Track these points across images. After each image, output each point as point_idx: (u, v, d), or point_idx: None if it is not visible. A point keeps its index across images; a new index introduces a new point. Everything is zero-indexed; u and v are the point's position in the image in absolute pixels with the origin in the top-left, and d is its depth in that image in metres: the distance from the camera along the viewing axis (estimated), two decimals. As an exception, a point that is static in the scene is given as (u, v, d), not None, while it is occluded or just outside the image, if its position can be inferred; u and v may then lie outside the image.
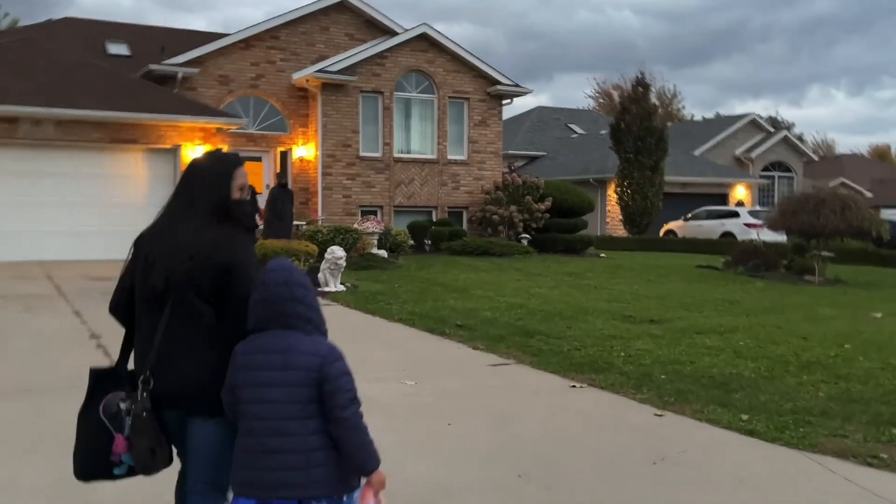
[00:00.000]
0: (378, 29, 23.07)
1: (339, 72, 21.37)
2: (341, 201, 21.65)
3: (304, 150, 22.17)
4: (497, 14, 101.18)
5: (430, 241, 21.72)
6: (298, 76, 21.69)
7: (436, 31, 22.49)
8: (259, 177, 22.01)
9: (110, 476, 3.12)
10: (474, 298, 12.44)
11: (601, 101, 70.85)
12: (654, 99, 30.51)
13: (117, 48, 24.63)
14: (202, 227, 3.12)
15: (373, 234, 18.86)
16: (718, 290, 15.15)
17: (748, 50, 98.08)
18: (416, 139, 22.86)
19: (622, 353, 8.28)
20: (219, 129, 18.67)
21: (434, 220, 22.64)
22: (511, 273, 16.98)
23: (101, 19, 27.14)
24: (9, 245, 16.43)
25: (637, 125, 29.66)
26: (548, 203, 21.83)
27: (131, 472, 3.10)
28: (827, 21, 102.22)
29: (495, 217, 21.74)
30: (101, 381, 3.15)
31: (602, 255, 22.75)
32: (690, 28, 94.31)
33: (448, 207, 23.04)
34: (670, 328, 10.12)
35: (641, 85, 30.60)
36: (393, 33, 22.69)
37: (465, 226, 23.20)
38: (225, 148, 22.23)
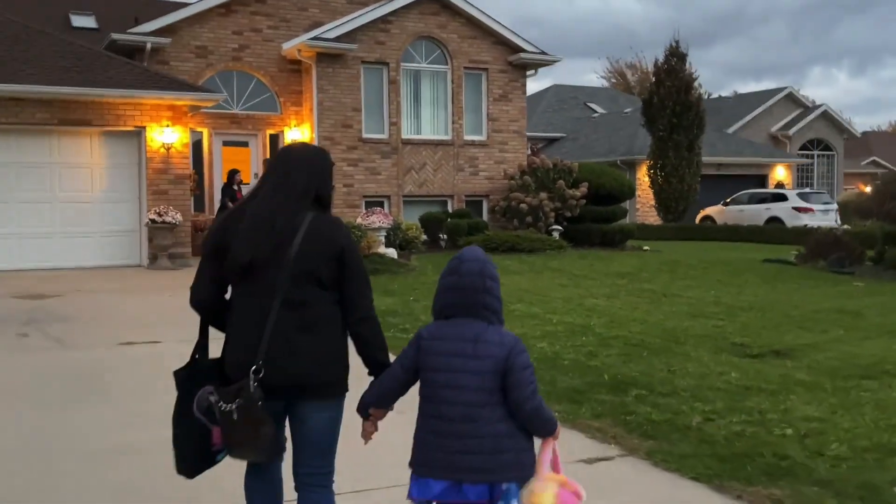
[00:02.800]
0: (381, -10, 19.90)
1: (337, 39, 18.21)
2: (342, 191, 18.53)
3: (298, 133, 19.04)
4: (497, 1, 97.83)
5: (445, 236, 18.62)
6: (289, 46, 18.54)
7: (448, -10, 19.32)
8: (246, 164, 18.91)
9: (213, 463, 3.15)
10: (517, 319, 9.34)
11: (614, 80, 67.63)
12: (690, 69, 27.20)
13: (83, 20, 21.54)
14: (310, 214, 3.06)
15: (379, 229, 15.77)
16: (816, 294, 12.03)
17: (749, 33, 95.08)
18: (428, 117, 19.71)
19: (787, 430, 5.16)
20: (192, 108, 15.55)
21: (450, 211, 19.53)
22: (550, 276, 13.87)
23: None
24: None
25: (672, 99, 26.49)
26: (583, 189, 18.69)
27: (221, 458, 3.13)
28: (828, 2, 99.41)
29: (522, 206, 18.60)
30: (186, 380, 3.13)
31: (645, 247, 19.60)
32: (691, 12, 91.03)
33: (466, 196, 19.92)
34: (814, 367, 7.00)
35: (676, 55, 27.37)
36: (398, -6, 19.51)
37: (485, 217, 20.08)
38: (205, 131, 19.20)
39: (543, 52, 20.36)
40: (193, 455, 3.12)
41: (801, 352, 7.61)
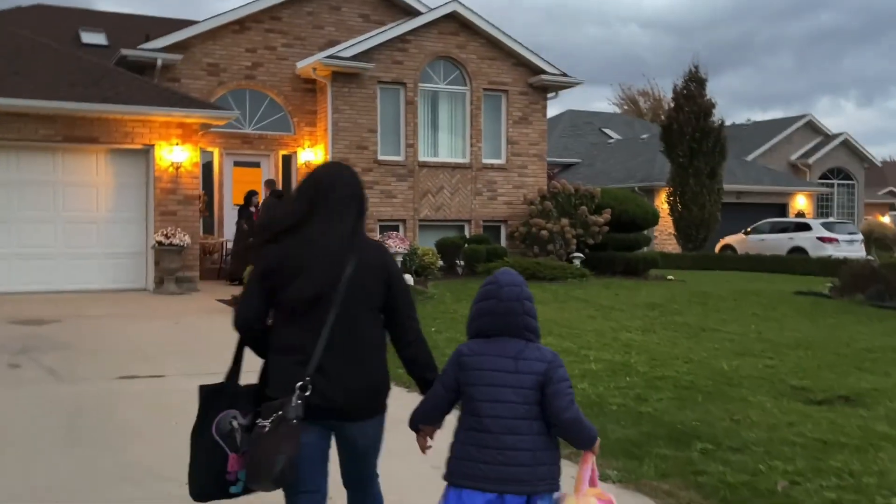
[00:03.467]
0: (399, 9, 19.35)
1: (353, 58, 17.64)
2: (356, 214, 17.86)
3: (311, 154, 18.43)
4: (506, 27, 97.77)
5: (462, 263, 17.92)
6: (304, 65, 17.98)
7: (468, 9, 18.73)
8: (258, 185, 18.28)
9: (226, 495, 3.04)
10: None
11: (626, 107, 67.14)
12: (709, 95, 26.57)
13: (93, 37, 21.07)
14: (359, 233, 3.14)
15: (395, 255, 15.10)
16: (863, 331, 11.29)
17: (756, 62, 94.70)
18: (445, 140, 19.09)
19: (893, 499, 4.41)
20: (203, 126, 14.94)
21: (467, 236, 18.85)
22: (576, 306, 13.16)
23: (77, 7, 23.62)
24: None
25: (692, 125, 25.84)
26: (606, 215, 17.98)
27: (247, 491, 3.03)
28: (834, 32, 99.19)
29: (543, 232, 17.89)
30: (212, 398, 3.07)
31: (669, 277, 18.87)
32: (698, 41, 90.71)
33: (483, 221, 19.24)
34: (893, 417, 6.25)
35: (695, 80, 26.75)
36: (416, 13, 18.95)
37: (503, 242, 19.40)
38: (216, 151, 18.61)
39: (564, 74, 19.76)
40: (206, 478, 3.03)
41: (870, 398, 6.88)
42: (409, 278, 15.21)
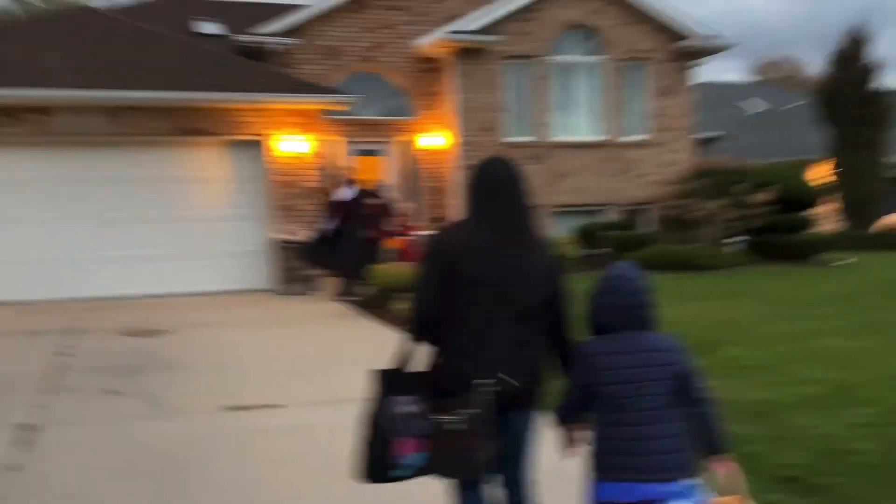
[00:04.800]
0: (526, -24, 17.74)
1: (478, 31, 16.19)
2: (486, 202, 16.46)
3: (434, 138, 17.13)
4: None
5: (604, 252, 16.25)
6: (424, 42, 16.66)
7: (603, -29, 16.99)
8: (379, 176, 17.13)
9: (392, 479, 3.09)
10: (741, 372, 6.97)
11: (760, 78, 63.23)
12: (873, 57, 23.78)
13: (209, 27, 20.35)
14: (537, 233, 3.21)
15: (532, 245, 13.59)
16: None
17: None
18: (581, 117, 17.42)
19: None
20: (321, 113, 13.81)
21: (608, 222, 17.15)
22: (746, 302, 11.35)
23: (196, -2, 23.05)
24: (38, 278, 12.07)
25: (854, 91, 23.18)
26: (768, 194, 15.93)
27: (409, 476, 3.07)
28: None
29: (696, 215, 16.03)
30: (385, 382, 3.10)
31: (849, 260, 16.58)
32: (833, 5, 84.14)
33: (626, 204, 17.49)
34: None
35: (858, 40, 24.01)
36: (546, -21, 17.31)
37: (649, 227, 17.59)
38: (337, 139, 17.55)
39: (714, 37, 17.70)
40: (374, 460, 3.07)
41: None
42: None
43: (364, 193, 12.60)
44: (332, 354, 8.12)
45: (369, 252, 12.13)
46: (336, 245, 11.87)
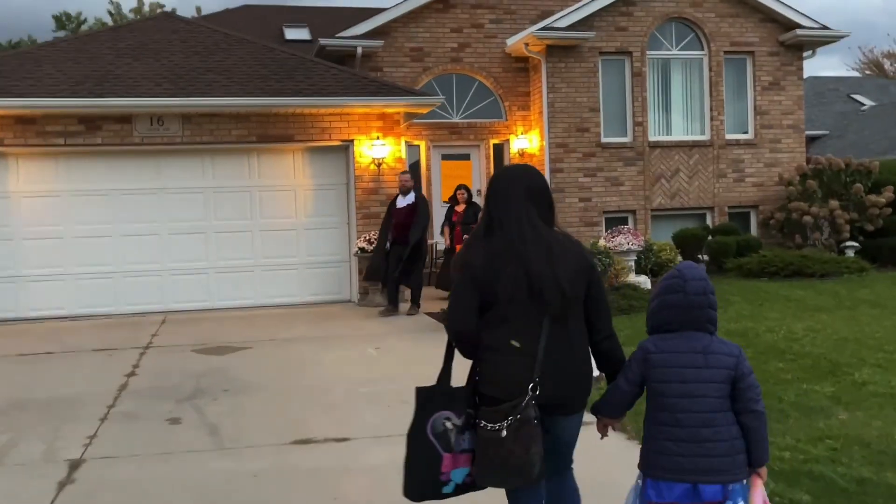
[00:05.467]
0: (620, -32, 16.89)
1: (571, 27, 15.43)
2: (578, 207, 15.72)
3: (525, 141, 16.43)
4: None
5: (706, 258, 15.28)
6: (514, 40, 15.99)
7: (703, -41, 15.99)
8: (468, 180, 16.55)
9: (440, 495, 3.11)
10: (881, 402, 6.05)
11: (868, 72, 60.06)
12: None
13: (296, 32, 20.23)
14: (559, 234, 3.21)
15: (628, 252, 12.81)
16: None
17: None
18: (679, 114, 16.46)
19: None
20: (406, 117, 13.31)
21: (710, 226, 16.14)
22: (871, 312, 10.28)
23: (283, 4, 23.02)
24: (112, 291, 11.92)
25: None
26: (888, 194, 14.65)
27: (457, 491, 3.11)
28: None
29: (807, 218, 14.87)
30: (426, 399, 3.15)
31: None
32: None
33: (728, 207, 16.43)
34: None
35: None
36: (641, -29, 16.43)
37: (753, 232, 16.49)
38: (422, 144, 17.08)
39: (824, 27, 16.47)
40: (421, 478, 3.09)
41: None
42: (643, 279, 12.89)
43: (418, 200, 11.39)
44: (407, 375, 7.50)
45: (416, 264, 11.27)
46: (389, 257, 11.14)
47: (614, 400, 3.14)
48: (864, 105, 33.70)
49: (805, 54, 16.75)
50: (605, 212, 15.92)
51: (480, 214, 3.32)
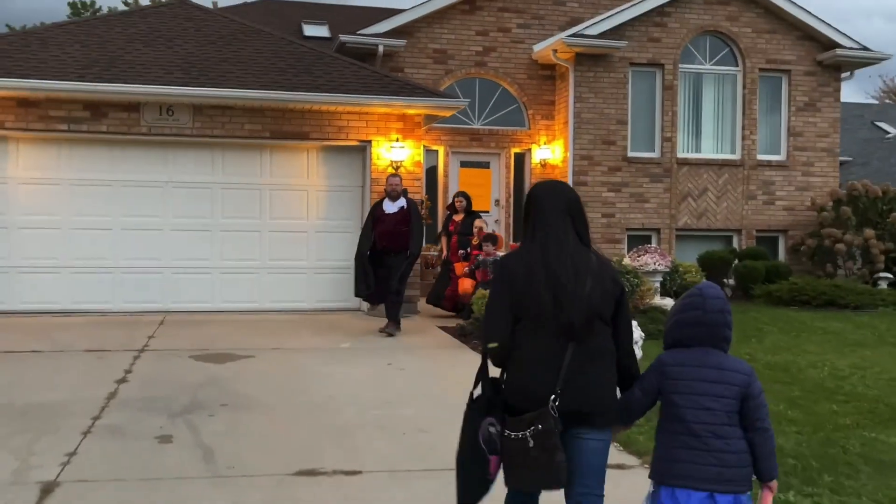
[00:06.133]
0: (654, -22, 16.26)
1: (602, 35, 14.81)
2: (600, 222, 15.06)
3: (548, 151, 15.79)
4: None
5: (732, 282, 14.63)
6: (542, 47, 15.38)
7: (743, -28, 15.37)
8: (486, 188, 15.93)
9: (487, 491, 3.24)
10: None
11: (888, 101, 59.36)
12: None
13: (315, 29, 19.60)
14: (592, 254, 3.26)
15: (654, 273, 12.16)
16: None
17: None
18: (710, 132, 15.82)
19: None
20: (427, 119, 12.69)
21: (736, 248, 15.47)
22: (917, 352, 9.59)
23: (303, 0, 22.42)
24: (112, 287, 11.30)
25: None
26: (927, 225, 13.99)
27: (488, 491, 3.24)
28: None
29: (840, 246, 14.20)
30: (476, 406, 3.24)
31: None
32: None
33: (756, 231, 15.76)
34: None
35: None
36: (677, -19, 15.80)
37: (781, 257, 15.82)
38: (440, 149, 16.46)
39: (865, 48, 15.82)
40: (475, 481, 3.22)
41: None
42: (669, 302, 12.20)
43: (409, 206, 10.24)
44: (421, 397, 6.88)
45: (400, 278, 10.02)
46: (378, 268, 10.02)
47: (628, 406, 3.23)
48: (888, 133, 33.02)
49: (843, 75, 16.09)
50: (628, 229, 15.26)
51: (523, 225, 3.38)
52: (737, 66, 15.67)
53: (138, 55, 11.63)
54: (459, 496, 3.26)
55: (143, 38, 12.22)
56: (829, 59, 15.66)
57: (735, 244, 15.66)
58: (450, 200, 13.81)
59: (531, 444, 3.00)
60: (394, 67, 15.04)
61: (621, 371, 3.24)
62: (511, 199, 15.84)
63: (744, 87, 15.62)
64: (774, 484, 3.09)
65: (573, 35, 14.76)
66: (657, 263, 12.16)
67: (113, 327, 10.07)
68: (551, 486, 3.09)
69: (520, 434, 3.02)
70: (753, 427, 3.00)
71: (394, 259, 10.01)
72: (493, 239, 11.43)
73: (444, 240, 12.68)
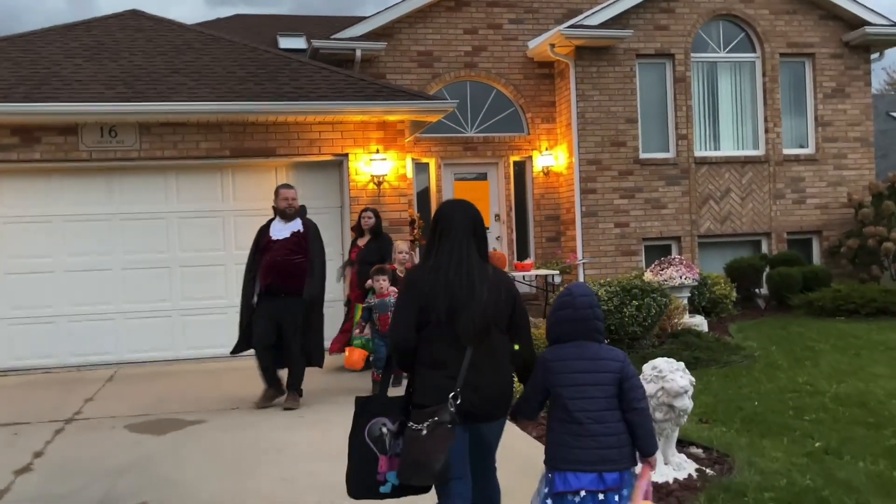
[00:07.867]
0: (656, -39, 14.77)
1: (603, 25, 13.30)
2: (613, 233, 13.48)
3: (550, 158, 14.25)
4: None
5: (765, 292, 13.05)
6: (538, 42, 13.87)
7: (755, -53, 13.85)
8: (484, 203, 14.37)
9: (377, 495, 3.42)
10: None
11: (893, 93, 57.86)
12: None
13: (292, 41, 18.13)
14: (490, 267, 3.52)
15: (681, 288, 10.61)
16: None
17: None
18: (729, 126, 14.27)
19: None
20: (412, 126, 11.17)
21: (766, 253, 13.88)
22: None
23: (277, 13, 21.03)
24: (57, 338, 9.77)
25: None
26: (985, 217, 12.40)
27: (395, 492, 3.40)
28: None
29: (887, 245, 12.59)
30: (364, 407, 3.49)
31: None
32: None
33: (787, 233, 14.16)
34: None
35: None
36: (682, -38, 14.30)
37: (816, 260, 14.23)
38: (431, 161, 14.92)
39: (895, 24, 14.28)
40: (360, 478, 3.40)
41: None
42: (700, 321, 10.68)
43: (307, 230, 7.63)
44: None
45: (314, 329, 7.45)
46: (263, 319, 7.37)
47: (526, 402, 3.48)
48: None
49: (873, 56, 14.54)
50: (644, 238, 13.68)
51: (429, 239, 3.54)
52: (754, 52, 14.13)
53: (76, 70, 10.14)
54: (348, 489, 3.45)
55: (85, 52, 10.75)
56: (856, 38, 14.11)
57: (764, 249, 14.07)
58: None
59: (424, 432, 3.18)
60: (375, 74, 13.54)
61: (522, 368, 3.53)
62: (513, 213, 14.28)
63: (763, 74, 14.06)
64: (654, 459, 3.35)
65: (572, 26, 13.24)
66: (684, 277, 10.62)
67: (49, 388, 8.51)
68: (433, 479, 3.20)
69: (420, 426, 3.21)
70: (630, 408, 3.26)
71: (288, 304, 7.21)
72: (383, 272, 7.92)
73: (349, 270, 9.38)
